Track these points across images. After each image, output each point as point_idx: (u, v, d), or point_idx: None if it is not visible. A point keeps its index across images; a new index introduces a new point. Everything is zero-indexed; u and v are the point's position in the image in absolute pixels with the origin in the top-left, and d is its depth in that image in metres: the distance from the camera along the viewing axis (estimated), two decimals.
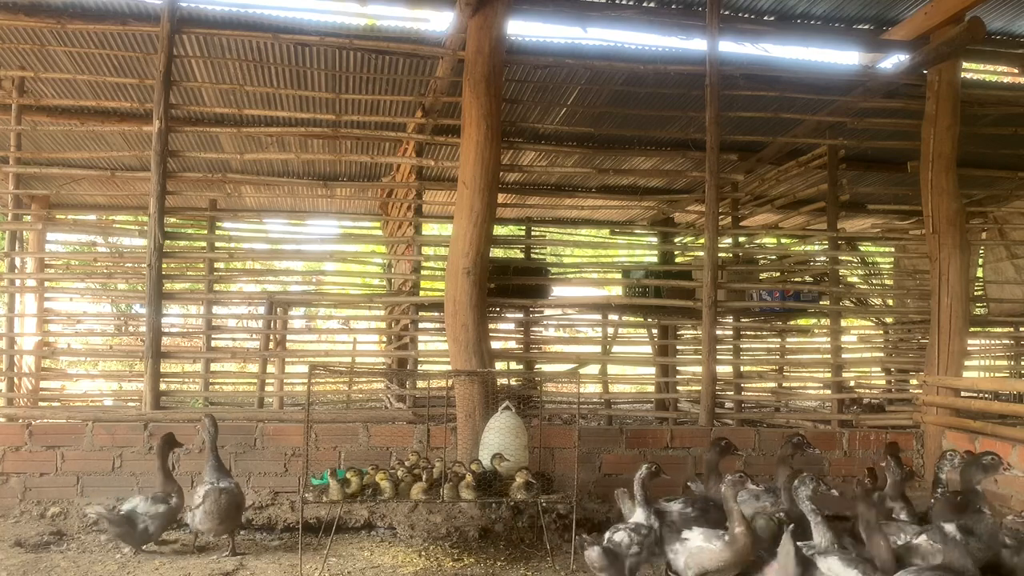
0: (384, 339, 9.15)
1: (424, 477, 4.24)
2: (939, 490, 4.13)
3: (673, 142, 7.80)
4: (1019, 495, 4.82)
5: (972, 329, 6.69)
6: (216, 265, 9.00)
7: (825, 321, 8.27)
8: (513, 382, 6.87)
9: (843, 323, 8.01)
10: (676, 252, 10.08)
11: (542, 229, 10.51)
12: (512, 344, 10.04)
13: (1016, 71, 7.21)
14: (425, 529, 4.75)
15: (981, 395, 7.26)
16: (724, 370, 7.64)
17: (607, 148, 7.81)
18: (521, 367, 8.81)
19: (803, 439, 4.70)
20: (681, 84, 6.40)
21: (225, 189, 8.71)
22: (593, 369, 9.29)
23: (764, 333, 9.44)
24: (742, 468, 5.59)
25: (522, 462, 4.58)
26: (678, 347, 8.98)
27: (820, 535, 3.38)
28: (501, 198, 5.91)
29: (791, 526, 3.40)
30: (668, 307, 6.85)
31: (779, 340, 9.21)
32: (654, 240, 11.15)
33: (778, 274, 7.79)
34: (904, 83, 6.41)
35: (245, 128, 6.18)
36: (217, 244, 7.84)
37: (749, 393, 8.62)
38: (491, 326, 6.29)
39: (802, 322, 9.54)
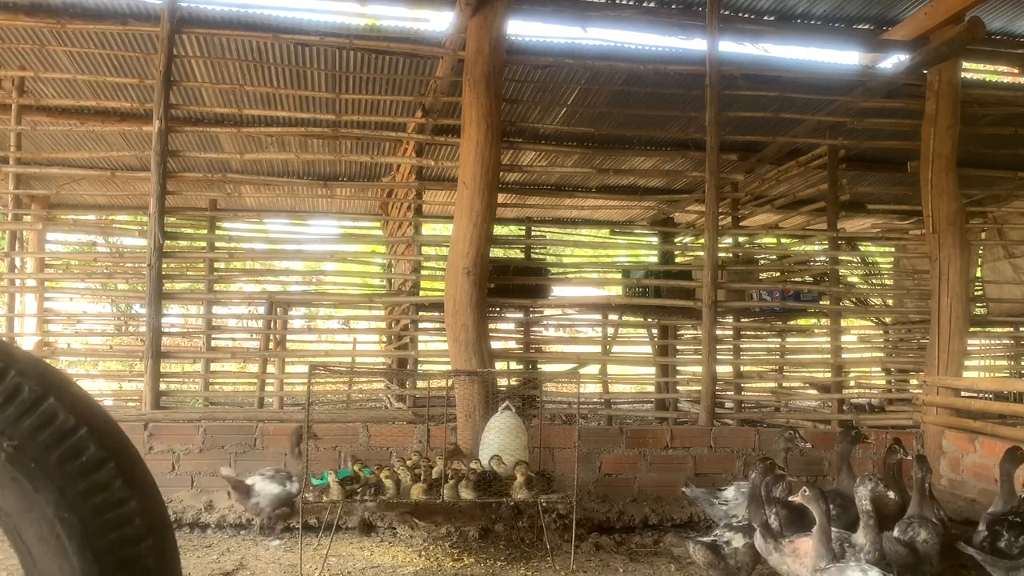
0: (384, 339, 9.15)
1: (424, 477, 4.24)
2: None
3: (673, 142, 7.79)
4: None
5: (972, 329, 6.69)
6: (216, 265, 8.99)
7: (825, 321, 8.28)
8: (513, 382, 6.87)
9: (843, 323, 8.02)
10: (676, 252, 10.08)
11: (542, 229, 10.51)
12: (512, 344, 10.05)
13: (1016, 71, 7.21)
14: (425, 529, 4.75)
15: (981, 395, 7.27)
16: (724, 370, 7.64)
17: (607, 148, 7.81)
18: (521, 367, 8.81)
19: (795, 433, 4.71)
20: (681, 84, 6.40)
21: (225, 189, 8.70)
22: (593, 369, 9.30)
23: (764, 333, 9.44)
24: (741, 469, 5.62)
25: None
26: (678, 347, 8.98)
27: (865, 538, 3.39)
28: (501, 198, 5.91)
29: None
30: (668, 307, 6.85)
31: (779, 340, 9.22)
32: (654, 240, 11.15)
33: (778, 274, 7.79)
34: (904, 83, 6.41)
35: (245, 128, 6.18)
36: (217, 244, 7.84)
37: (749, 393, 8.62)
38: (491, 326, 6.28)
39: (802, 322, 9.55)
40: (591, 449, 5.48)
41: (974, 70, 7.21)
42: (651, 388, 10.19)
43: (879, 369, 10.11)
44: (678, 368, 8.74)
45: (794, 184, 8.21)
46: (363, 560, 4.36)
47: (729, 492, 4.59)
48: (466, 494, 4.18)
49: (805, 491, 3.38)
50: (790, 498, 3.61)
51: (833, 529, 3.56)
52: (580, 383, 5.02)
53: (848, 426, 4.85)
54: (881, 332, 9.67)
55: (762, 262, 8.11)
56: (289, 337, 9.73)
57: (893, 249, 8.71)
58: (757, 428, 6.05)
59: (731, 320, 8.06)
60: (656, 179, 8.89)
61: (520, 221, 10.29)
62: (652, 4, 6.10)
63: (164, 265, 5.66)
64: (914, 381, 8.25)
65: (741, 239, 8.58)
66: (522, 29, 6.09)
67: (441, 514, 4.50)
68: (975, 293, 8.40)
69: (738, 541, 3.70)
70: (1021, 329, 8.86)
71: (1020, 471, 4.03)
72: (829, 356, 6.84)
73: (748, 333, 9.06)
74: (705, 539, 3.80)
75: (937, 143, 6.02)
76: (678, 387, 8.70)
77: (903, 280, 9.55)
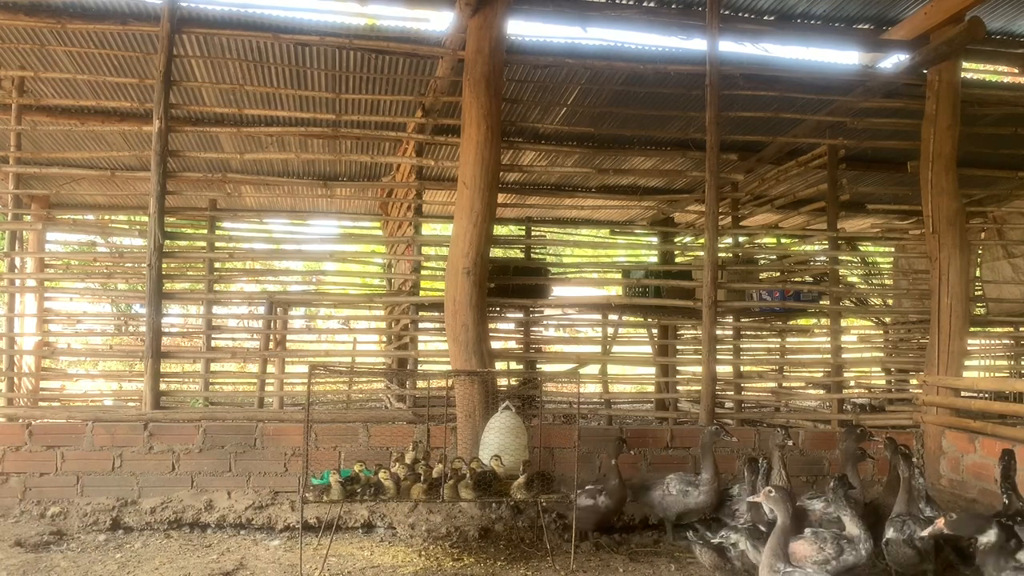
0: (384, 339, 9.16)
1: (424, 477, 4.24)
2: None
3: (673, 142, 7.79)
4: None
5: (972, 329, 6.69)
6: (216, 265, 9.00)
7: (825, 321, 8.28)
8: (513, 382, 6.87)
9: (843, 323, 8.02)
10: (676, 252, 10.09)
11: (542, 229, 10.51)
12: (512, 344, 10.05)
13: (1016, 71, 7.21)
14: (425, 529, 4.75)
15: (981, 395, 7.26)
16: (724, 370, 7.64)
17: (607, 148, 7.81)
18: (521, 367, 8.81)
19: (785, 432, 4.76)
20: (681, 84, 6.40)
21: (225, 189, 8.71)
22: (593, 369, 9.29)
23: (764, 333, 9.44)
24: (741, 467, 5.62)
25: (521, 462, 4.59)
26: (678, 347, 8.98)
27: (857, 528, 3.46)
28: (501, 198, 5.91)
29: None
30: (668, 307, 6.85)
31: (779, 340, 9.22)
32: (654, 240, 11.15)
33: (778, 274, 7.79)
34: (904, 83, 6.41)
35: (245, 128, 6.17)
36: (217, 244, 7.84)
37: (749, 393, 8.62)
38: (491, 326, 6.28)
39: (802, 322, 9.55)
40: (591, 449, 5.48)
41: (974, 70, 7.21)
42: (651, 388, 10.18)
43: (879, 369, 10.10)
44: (678, 368, 8.74)
45: (794, 184, 8.21)
46: (363, 560, 4.35)
47: (734, 488, 4.65)
48: (466, 494, 4.18)
49: (770, 491, 3.37)
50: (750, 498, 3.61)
51: (826, 531, 3.57)
52: (580, 383, 5.02)
53: (852, 425, 4.84)
54: (881, 332, 9.66)
55: (762, 262, 8.11)
56: (289, 337, 9.73)
57: (893, 249, 8.70)
58: (757, 428, 6.05)
59: (731, 320, 8.05)
60: (656, 179, 8.89)
61: (520, 221, 10.29)
62: (652, 4, 6.09)
63: (164, 265, 5.66)
64: (914, 381, 8.25)
65: (741, 239, 8.58)
66: (522, 29, 6.10)
67: None
68: (975, 293, 8.40)
69: (744, 543, 3.69)
70: (1021, 329, 8.86)
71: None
72: (829, 356, 6.83)
73: (748, 333, 9.05)
74: (712, 541, 3.79)
75: (937, 143, 6.02)
76: (678, 387, 8.69)
77: (901, 280, 9.55)
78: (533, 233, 9.99)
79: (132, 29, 5.60)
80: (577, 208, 10.36)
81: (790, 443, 4.75)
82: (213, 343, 8.48)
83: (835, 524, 3.86)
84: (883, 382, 9.68)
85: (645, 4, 6.09)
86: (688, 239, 10.24)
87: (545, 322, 9.41)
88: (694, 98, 6.31)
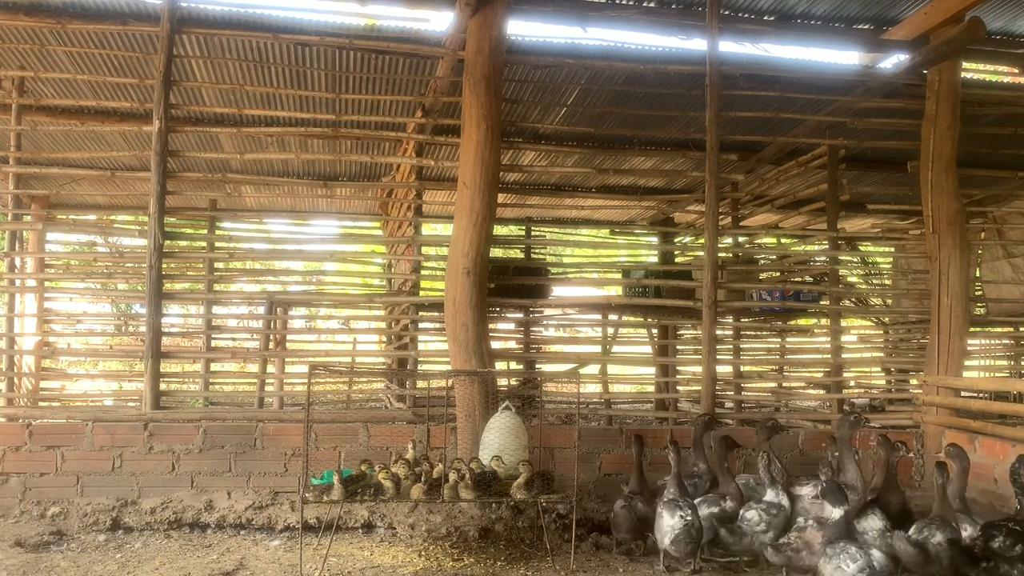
0: (384, 339, 9.15)
1: (424, 477, 4.24)
2: None
3: (673, 142, 7.79)
4: None
5: (972, 329, 6.69)
6: (216, 265, 8.99)
7: (825, 321, 8.28)
8: (513, 382, 6.87)
9: (843, 323, 8.02)
10: (676, 252, 10.08)
11: (542, 229, 10.51)
12: (512, 344, 10.05)
13: (1016, 71, 7.21)
14: (425, 529, 4.75)
15: (981, 395, 7.26)
16: (724, 370, 7.64)
17: (607, 148, 7.81)
18: (521, 367, 8.81)
19: (775, 422, 4.76)
20: (681, 84, 6.40)
21: (225, 189, 8.70)
22: (593, 369, 9.29)
23: (764, 333, 9.44)
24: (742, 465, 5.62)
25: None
26: (678, 347, 8.98)
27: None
28: (501, 198, 5.91)
29: None
30: (668, 307, 6.85)
31: (779, 340, 9.22)
32: (654, 240, 11.15)
33: (778, 274, 7.79)
34: (904, 83, 6.41)
35: (245, 128, 6.17)
36: (217, 244, 7.84)
37: (749, 393, 8.61)
38: (491, 326, 6.28)
39: (802, 322, 9.54)
40: (591, 449, 5.48)
41: (974, 70, 7.20)
42: (651, 388, 10.19)
43: (879, 369, 10.11)
44: (678, 368, 8.74)
45: (794, 184, 8.21)
46: (363, 560, 4.36)
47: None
48: (466, 494, 4.18)
49: None
50: None
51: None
52: (580, 383, 5.02)
53: (847, 411, 4.86)
54: (881, 332, 9.66)
55: (762, 262, 8.11)
56: (289, 337, 9.72)
57: (893, 249, 8.70)
58: (757, 428, 6.04)
59: (731, 320, 8.05)
60: (656, 179, 8.88)
61: (520, 221, 10.29)
62: (652, 4, 6.09)
63: (164, 265, 5.66)
64: (914, 381, 8.25)
65: (741, 239, 8.58)
66: (522, 29, 6.10)
67: None
68: (975, 293, 8.40)
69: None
70: (1021, 329, 8.86)
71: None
72: (829, 356, 6.83)
73: (748, 333, 9.05)
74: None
75: (937, 143, 6.02)
76: (678, 387, 8.69)
77: (901, 280, 9.55)
78: (533, 233, 9.99)
79: (132, 29, 5.60)
80: (577, 208, 10.36)
81: (789, 432, 4.76)
82: (213, 343, 8.48)
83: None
84: (883, 382, 9.68)
85: (645, 4, 6.08)
86: (688, 239, 10.24)
87: (545, 322, 9.41)
88: (694, 98, 6.31)
